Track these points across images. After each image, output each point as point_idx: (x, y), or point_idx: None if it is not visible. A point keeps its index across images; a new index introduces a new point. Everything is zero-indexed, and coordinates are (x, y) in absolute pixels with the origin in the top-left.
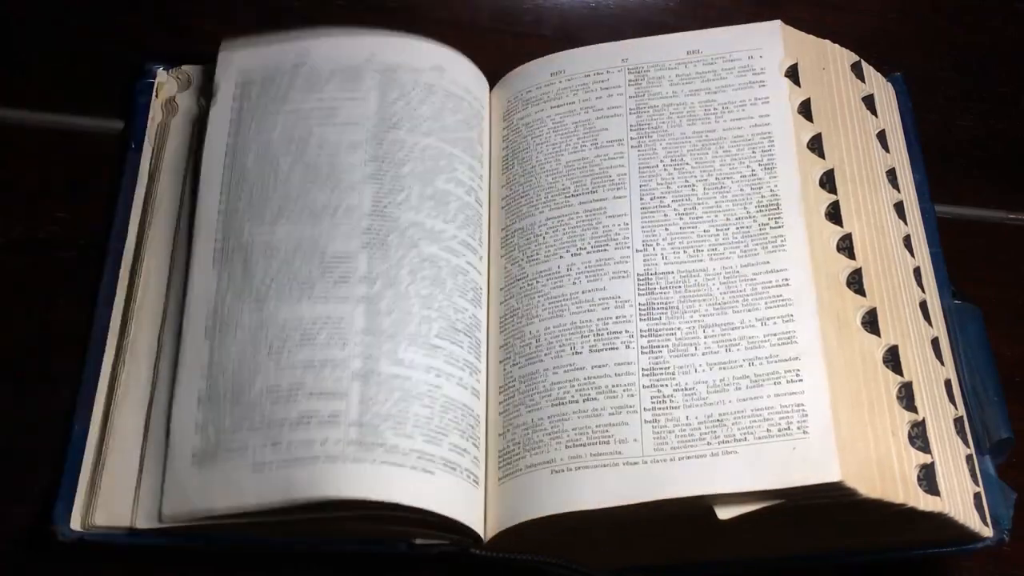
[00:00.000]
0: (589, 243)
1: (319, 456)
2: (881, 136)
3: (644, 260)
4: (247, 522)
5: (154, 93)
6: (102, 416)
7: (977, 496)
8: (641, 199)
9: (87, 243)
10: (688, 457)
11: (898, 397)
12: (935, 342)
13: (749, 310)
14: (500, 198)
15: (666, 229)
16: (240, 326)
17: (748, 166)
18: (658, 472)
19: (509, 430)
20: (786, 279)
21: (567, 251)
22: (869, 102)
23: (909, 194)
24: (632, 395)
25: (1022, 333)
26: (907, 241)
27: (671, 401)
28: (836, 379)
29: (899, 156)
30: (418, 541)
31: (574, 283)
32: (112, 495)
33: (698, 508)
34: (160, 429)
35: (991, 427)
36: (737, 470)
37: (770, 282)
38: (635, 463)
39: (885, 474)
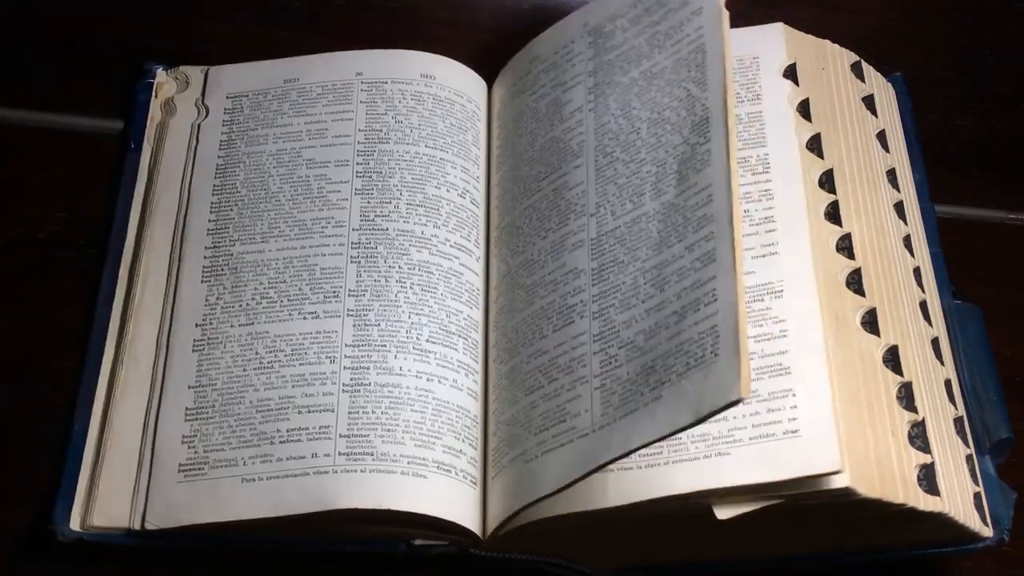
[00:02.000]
0: (554, 222)
1: (309, 470)
2: (881, 136)
3: (597, 223)
4: (243, 526)
5: (154, 93)
6: (101, 416)
7: (977, 496)
8: (596, 161)
9: (87, 243)
10: (627, 413)
11: (898, 397)
12: (935, 342)
13: (680, 240)
14: (495, 196)
15: (615, 184)
16: (230, 341)
17: (683, 87)
18: (603, 437)
19: (498, 428)
20: (710, 196)
21: (538, 236)
22: (869, 102)
23: (909, 194)
24: (584, 365)
25: (1022, 333)
26: (907, 241)
27: (615, 361)
28: (834, 377)
29: (899, 156)
30: (417, 542)
31: (543, 266)
32: (111, 495)
33: (695, 506)
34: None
35: (991, 427)
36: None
37: (699, 207)
38: (586, 434)
39: (885, 474)
